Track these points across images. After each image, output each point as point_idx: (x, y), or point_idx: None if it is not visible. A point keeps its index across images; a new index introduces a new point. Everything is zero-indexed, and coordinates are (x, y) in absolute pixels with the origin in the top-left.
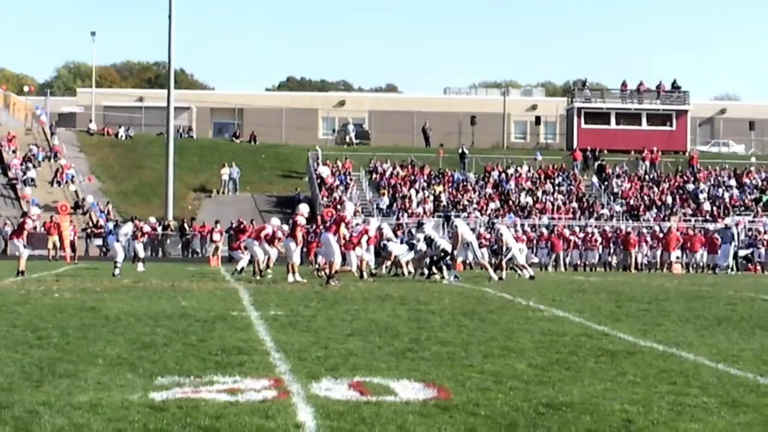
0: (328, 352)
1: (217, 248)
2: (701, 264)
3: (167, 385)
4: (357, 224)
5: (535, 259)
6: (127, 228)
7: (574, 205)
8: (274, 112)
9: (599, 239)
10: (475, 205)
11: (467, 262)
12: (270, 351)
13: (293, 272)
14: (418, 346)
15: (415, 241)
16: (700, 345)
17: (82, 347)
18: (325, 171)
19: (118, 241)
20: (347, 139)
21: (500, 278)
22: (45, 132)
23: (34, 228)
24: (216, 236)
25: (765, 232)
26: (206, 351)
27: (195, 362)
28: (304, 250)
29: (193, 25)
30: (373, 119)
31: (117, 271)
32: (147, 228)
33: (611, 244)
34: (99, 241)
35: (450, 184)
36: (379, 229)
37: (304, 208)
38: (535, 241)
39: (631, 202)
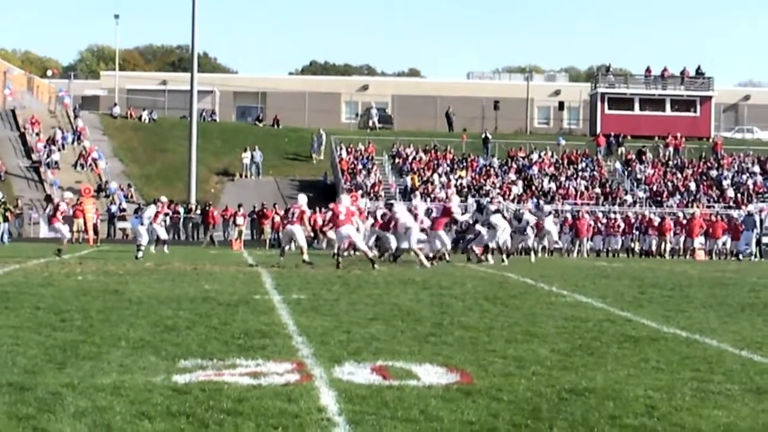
0: (351, 336)
1: (240, 232)
2: (724, 251)
3: (190, 368)
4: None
5: (559, 245)
6: (151, 211)
7: (597, 190)
8: (297, 96)
9: (622, 225)
10: (498, 190)
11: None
12: (292, 335)
13: (303, 253)
14: (441, 330)
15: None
16: (724, 332)
17: (105, 330)
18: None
19: (142, 224)
20: (370, 124)
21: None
22: (69, 115)
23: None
24: (239, 220)
25: None
26: (229, 334)
27: (218, 345)
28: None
29: (217, 8)
30: (396, 104)
31: (140, 254)
32: (153, 209)
33: (634, 230)
34: (123, 224)
35: (473, 169)
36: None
37: (302, 199)
38: (558, 227)
39: (654, 188)
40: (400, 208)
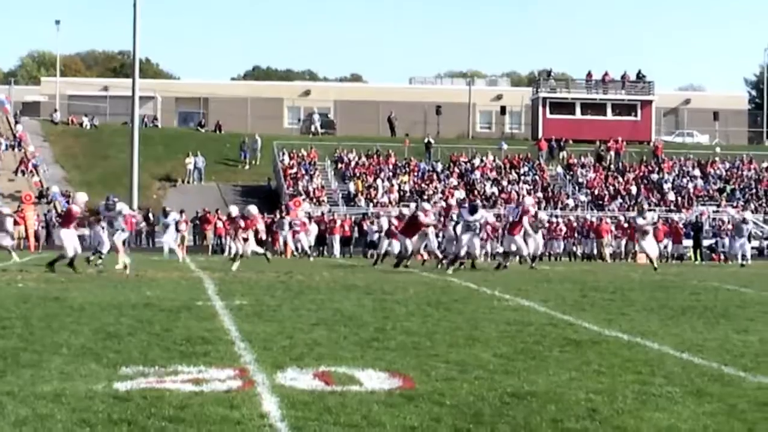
0: (294, 342)
1: (183, 238)
2: (665, 254)
3: (131, 375)
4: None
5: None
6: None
7: (539, 194)
8: (239, 102)
9: (564, 229)
10: (440, 195)
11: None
12: (235, 341)
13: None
14: (384, 335)
15: None
16: (665, 335)
17: (46, 337)
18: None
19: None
20: (312, 129)
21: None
22: (9, 121)
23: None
24: (182, 226)
25: (728, 222)
26: (171, 341)
27: (159, 352)
28: (269, 239)
29: (159, 13)
30: (339, 109)
31: (93, 259)
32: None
33: (576, 234)
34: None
35: (415, 174)
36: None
37: (254, 210)
38: (500, 231)
39: (596, 192)
40: (424, 208)
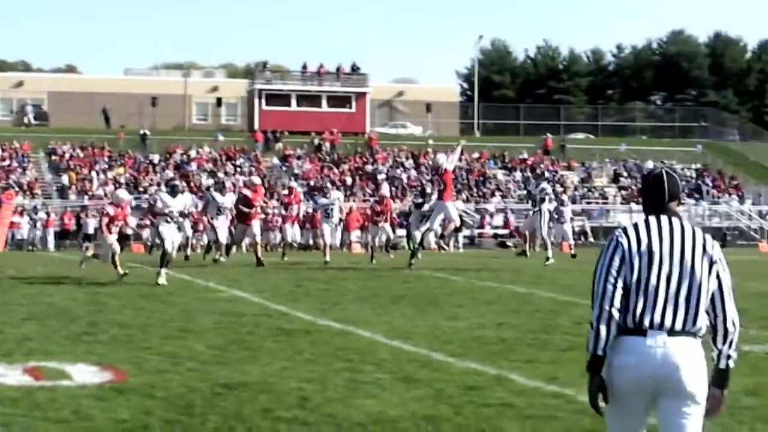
0: (3, 337)
1: None
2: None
3: None
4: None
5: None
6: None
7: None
8: None
9: (280, 220)
10: (156, 187)
11: None
12: None
13: None
14: (96, 329)
15: None
16: (377, 323)
17: None
18: None
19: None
20: (25, 121)
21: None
22: None
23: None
24: None
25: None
26: None
27: None
28: None
29: None
30: (53, 100)
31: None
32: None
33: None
34: None
35: (132, 166)
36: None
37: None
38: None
39: (312, 182)
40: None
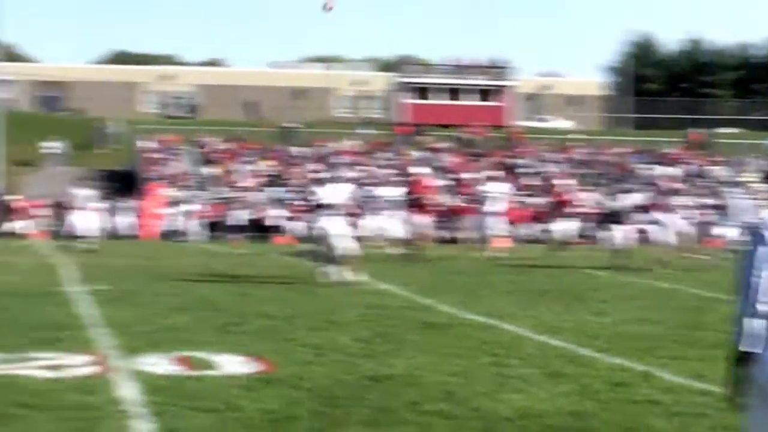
0: (153, 327)
1: (41, 223)
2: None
3: None
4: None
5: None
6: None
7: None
8: (99, 86)
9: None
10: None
11: None
12: (93, 326)
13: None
14: (242, 320)
15: None
16: (523, 317)
17: None
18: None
19: None
20: (173, 113)
21: None
22: None
23: None
24: (41, 211)
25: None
26: (26, 327)
27: (14, 338)
28: None
29: None
30: (200, 93)
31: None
32: None
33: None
34: None
35: (278, 159)
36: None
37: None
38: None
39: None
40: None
